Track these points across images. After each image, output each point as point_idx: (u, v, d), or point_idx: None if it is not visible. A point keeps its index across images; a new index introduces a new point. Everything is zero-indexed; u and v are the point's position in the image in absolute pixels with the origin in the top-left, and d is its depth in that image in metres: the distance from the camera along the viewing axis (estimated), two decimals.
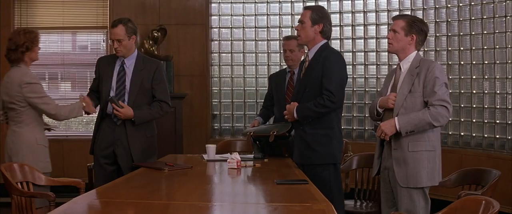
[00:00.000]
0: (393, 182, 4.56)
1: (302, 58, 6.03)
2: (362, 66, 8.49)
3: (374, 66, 8.41)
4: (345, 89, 8.21)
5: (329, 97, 4.89)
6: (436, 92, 4.36)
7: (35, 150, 5.12)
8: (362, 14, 8.48)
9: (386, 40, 8.10)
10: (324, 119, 5.02)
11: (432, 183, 4.52)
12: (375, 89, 8.27)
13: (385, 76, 8.17)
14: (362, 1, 8.48)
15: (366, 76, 8.46)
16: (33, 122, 5.15)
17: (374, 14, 8.39)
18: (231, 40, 8.97)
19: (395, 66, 4.72)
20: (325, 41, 5.17)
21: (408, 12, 8.06)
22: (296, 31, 5.25)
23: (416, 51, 4.59)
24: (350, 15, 8.54)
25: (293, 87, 6.17)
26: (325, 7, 8.54)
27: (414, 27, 4.53)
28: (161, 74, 5.60)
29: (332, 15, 8.51)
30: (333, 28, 8.41)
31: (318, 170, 4.99)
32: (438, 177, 4.56)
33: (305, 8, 5.25)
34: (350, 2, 8.55)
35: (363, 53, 8.46)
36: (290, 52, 6.22)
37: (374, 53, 8.38)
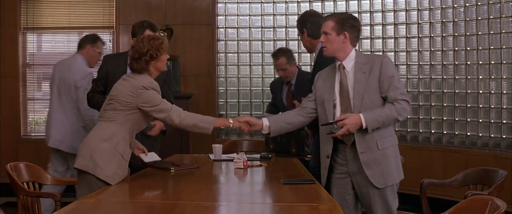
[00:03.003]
0: (360, 187, 4.38)
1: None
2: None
3: None
4: None
5: None
6: (397, 87, 4.25)
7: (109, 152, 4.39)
8: (368, 14, 8.47)
9: (392, 40, 8.18)
10: None
11: (401, 177, 4.41)
12: None
13: None
14: (368, 1, 8.47)
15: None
16: (125, 126, 4.45)
17: (380, 14, 8.38)
18: (238, 40, 8.97)
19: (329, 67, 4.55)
20: (319, 42, 5.11)
21: (415, 13, 8.06)
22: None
23: (354, 48, 4.42)
24: (356, 15, 8.52)
25: (291, 100, 6.13)
26: (332, 8, 8.59)
27: (345, 24, 4.35)
28: (171, 78, 5.66)
29: None
30: None
31: None
32: (402, 170, 4.47)
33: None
34: (356, 2, 8.55)
35: (369, 53, 8.44)
36: (283, 71, 6.15)
37: (381, 53, 8.36)
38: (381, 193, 4.31)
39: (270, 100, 6.96)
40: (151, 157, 4.89)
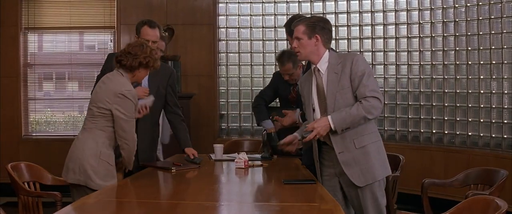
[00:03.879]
0: (347, 186, 4.39)
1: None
2: (370, 66, 8.46)
3: (382, 66, 8.39)
4: None
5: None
6: (366, 85, 4.21)
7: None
8: (369, 14, 8.46)
9: (393, 40, 8.17)
10: None
11: (387, 172, 4.40)
12: (382, 89, 8.24)
13: (392, 76, 8.21)
14: (369, 1, 8.46)
15: (374, 76, 8.42)
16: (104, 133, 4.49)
17: (381, 14, 8.37)
18: (239, 40, 8.97)
19: (312, 71, 4.53)
20: None
21: (416, 13, 8.06)
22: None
23: (327, 50, 4.41)
24: (357, 15, 8.53)
25: (295, 100, 6.08)
26: (333, 7, 8.59)
27: (316, 27, 4.36)
28: (174, 81, 5.65)
29: (339, 15, 8.57)
30: (340, 28, 8.55)
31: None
32: (388, 165, 4.46)
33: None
34: (357, 2, 8.53)
35: (370, 53, 8.44)
36: (289, 76, 6.10)
37: (382, 53, 8.37)
38: (370, 190, 4.31)
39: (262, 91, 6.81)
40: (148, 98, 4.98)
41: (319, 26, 4.37)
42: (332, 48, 4.52)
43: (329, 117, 4.22)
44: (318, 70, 4.39)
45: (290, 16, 8.70)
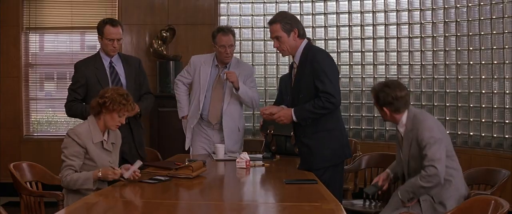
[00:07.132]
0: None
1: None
2: (371, 66, 8.47)
3: (383, 66, 8.38)
4: (353, 89, 8.21)
5: (328, 99, 4.73)
6: (425, 155, 4.35)
7: None
8: (371, 14, 8.46)
9: (395, 39, 8.16)
10: (321, 122, 4.87)
11: (459, 203, 4.41)
12: None
13: (393, 76, 8.22)
14: (371, 1, 8.46)
15: (375, 76, 8.44)
16: None
17: (383, 14, 8.36)
18: (240, 40, 8.95)
19: None
20: (305, 41, 5.04)
21: (418, 12, 8.05)
22: (276, 49, 5.12)
23: (406, 112, 4.58)
24: (359, 15, 8.52)
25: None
26: (334, 7, 8.58)
27: (384, 101, 4.53)
28: (143, 68, 5.80)
29: (340, 15, 8.55)
30: (343, 28, 8.56)
31: (318, 173, 4.77)
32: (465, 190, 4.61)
33: (271, 23, 5.10)
34: (359, 2, 8.53)
35: (371, 53, 8.43)
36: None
37: (383, 53, 8.36)
38: None
39: (274, 101, 6.90)
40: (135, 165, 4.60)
41: (387, 100, 4.56)
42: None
43: (398, 189, 4.53)
44: (398, 131, 4.66)
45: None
